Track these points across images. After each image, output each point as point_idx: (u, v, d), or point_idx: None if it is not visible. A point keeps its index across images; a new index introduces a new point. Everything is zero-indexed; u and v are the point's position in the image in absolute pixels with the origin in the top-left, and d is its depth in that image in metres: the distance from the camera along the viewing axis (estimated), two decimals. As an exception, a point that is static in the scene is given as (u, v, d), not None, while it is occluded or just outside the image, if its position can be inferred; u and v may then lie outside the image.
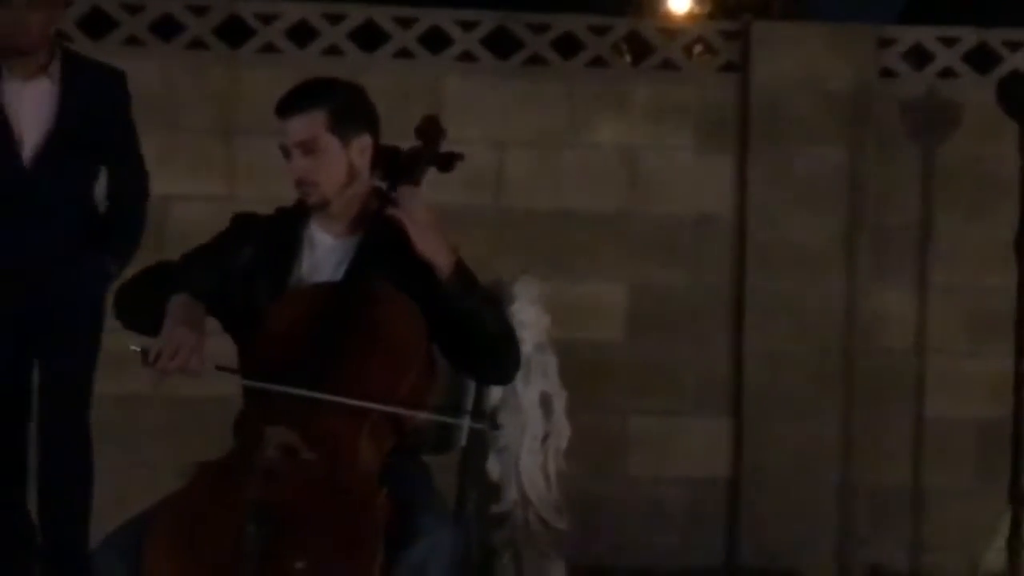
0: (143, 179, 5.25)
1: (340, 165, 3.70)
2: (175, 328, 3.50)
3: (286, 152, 3.71)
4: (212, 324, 3.73)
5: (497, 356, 3.70)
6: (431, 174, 3.78)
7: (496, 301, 3.86)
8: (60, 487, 5.04)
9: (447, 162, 3.81)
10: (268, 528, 3.21)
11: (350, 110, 3.75)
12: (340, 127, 3.70)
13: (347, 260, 3.67)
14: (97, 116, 4.98)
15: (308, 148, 3.68)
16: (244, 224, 3.85)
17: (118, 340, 3.64)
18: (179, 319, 3.53)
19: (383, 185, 3.73)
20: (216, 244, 3.81)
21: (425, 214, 3.59)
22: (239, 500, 3.25)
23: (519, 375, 6.16)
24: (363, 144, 3.73)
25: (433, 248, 3.58)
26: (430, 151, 3.78)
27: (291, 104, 3.72)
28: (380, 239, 3.62)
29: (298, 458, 3.34)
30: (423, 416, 3.62)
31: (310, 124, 3.69)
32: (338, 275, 3.64)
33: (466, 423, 3.90)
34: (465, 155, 3.81)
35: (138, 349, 3.48)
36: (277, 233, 3.78)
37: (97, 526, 3.51)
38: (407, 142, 3.81)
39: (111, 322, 3.75)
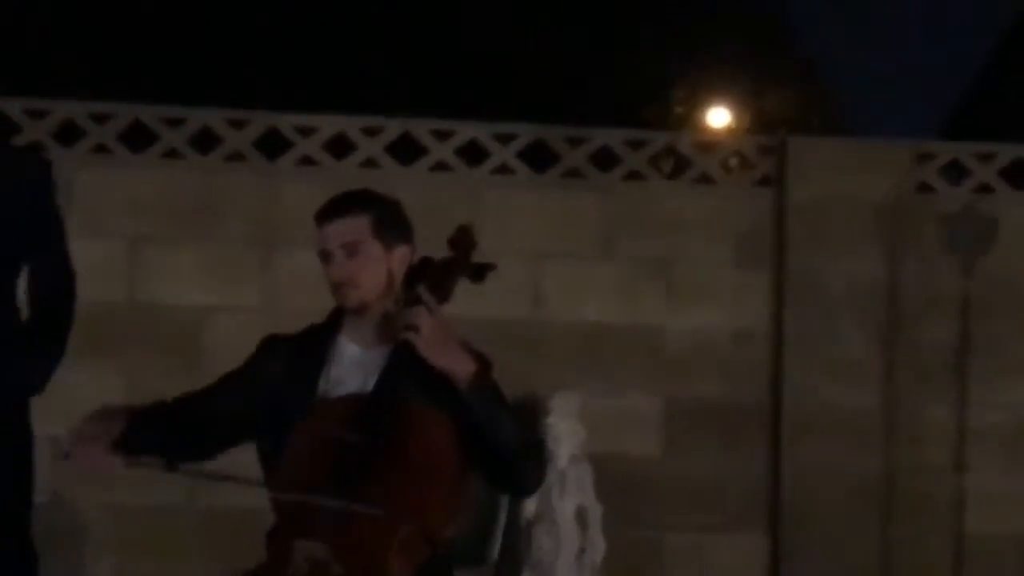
0: (69, 277, 4.67)
1: (381, 270, 3.73)
2: (86, 425, 3.52)
3: (327, 256, 3.73)
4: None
5: (515, 470, 3.67)
6: (464, 285, 3.78)
7: (523, 415, 3.83)
8: None
9: (479, 273, 3.80)
10: (300, 643, 3.17)
11: (392, 219, 3.79)
12: (383, 234, 3.74)
13: (376, 371, 3.66)
14: (10, 205, 4.48)
15: (352, 251, 3.70)
16: (271, 344, 3.86)
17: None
18: (96, 416, 3.56)
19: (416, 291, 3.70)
20: (240, 369, 3.83)
21: (433, 330, 3.57)
22: (270, 613, 3.23)
23: (555, 489, 6.18)
24: (403, 254, 3.76)
25: (447, 360, 3.56)
26: (462, 261, 3.77)
27: (337, 208, 3.76)
28: (409, 350, 3.61)
29: (327, 572, 3.31)
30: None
31: (356, 227, 3.72)
32: (367, 387, 3.63)
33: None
34: (497, 265, 3.81)
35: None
36: (306, 347, 3.79)
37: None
38: (442, 254, 3.82)
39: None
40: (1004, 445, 7.02)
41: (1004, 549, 6.96)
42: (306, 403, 3.65)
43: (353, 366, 3.73)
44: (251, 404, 3.71)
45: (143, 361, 6.71)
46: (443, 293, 3.66)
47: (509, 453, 3.60)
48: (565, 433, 6.13)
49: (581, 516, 6.16)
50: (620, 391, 6.92)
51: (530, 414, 6.12)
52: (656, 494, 6.90)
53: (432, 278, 3.67)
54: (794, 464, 6.90)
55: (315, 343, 3.78)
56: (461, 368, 3.56)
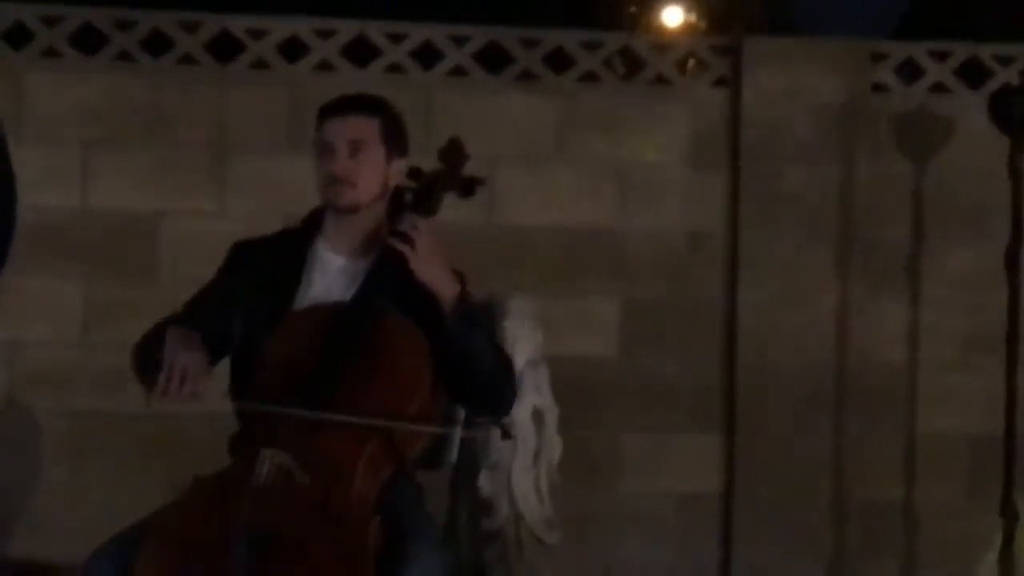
0: (8, 181, 4.17)
1: (379, 176, 3.72)
2: (178, 354, 3.43)
3: (329, 149, 3.68)
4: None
5: (491, 397, 3.68)
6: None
7: (498, 343, 3.82)
8: None
9: (468, 187, 3.78)
10: (258, 550, 3.18)
11: (398, 131, 3.78)
12: (389, 141, 3.73)
13: (357, 282, 3.64)
14: None
15: (357, 148, 3.68)
16: (242, 252, 3.82)
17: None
18: (179, 344, 3.47)
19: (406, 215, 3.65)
20: (214, 283, 3.79)
21: (429, 245, 3.55)
22: (231, 519, 3.22)
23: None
24: (400, 167, 3.75)
25: (434, 278, 3.54)
26: (452, 175, 3.75)
27: (349, 104, 3.74)
28: (392, 263, 3.58)
29: (292, 481, 3.30)
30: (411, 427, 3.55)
31: (366, 127, 3.71)
32: (348, 296, 3.61)
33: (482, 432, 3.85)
34: (486, 180, 3.79)
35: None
36: (280, 254, 3.75)
37: (87, 541, 3.49)
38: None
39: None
40: (956, 344, 7.07)
41: (956, 447, 7.02)
42: (282, 311, 3.63)
43: (337, 275, 3.71)
44: (228, 319, 3.69)
45: (98, 267, 6.67)
46: (431, 206, 3.65)
47: (485, 381, 3.60)
48: (522, 335, 6.13)
49: (538, 418, 6.17)
50: (576, 294, 6.93)
51: (487, 318, 6.13)
52: (612, 395, 6.93)
53: (420, 190, 3.65)
54: (749, 364, 6.94)
55: (290, 250, 3.75)
56: (447, 289, 3.55)
